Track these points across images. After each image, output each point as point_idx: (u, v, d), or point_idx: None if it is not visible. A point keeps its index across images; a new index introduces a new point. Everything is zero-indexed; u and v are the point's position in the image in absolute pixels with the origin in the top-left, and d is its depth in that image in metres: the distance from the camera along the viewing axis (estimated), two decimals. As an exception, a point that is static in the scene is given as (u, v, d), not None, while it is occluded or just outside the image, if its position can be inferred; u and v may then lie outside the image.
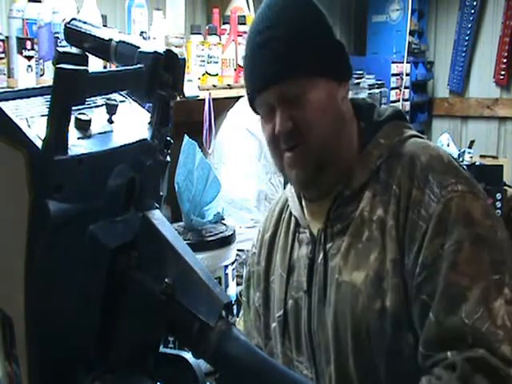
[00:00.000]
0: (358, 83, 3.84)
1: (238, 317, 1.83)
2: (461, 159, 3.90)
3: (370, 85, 3.93)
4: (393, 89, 4.26)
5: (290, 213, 1.23)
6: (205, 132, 2.52)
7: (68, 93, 0.62)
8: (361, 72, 3.95)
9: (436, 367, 0.93)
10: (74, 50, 0.82)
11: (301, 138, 1.06)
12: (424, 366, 0.96)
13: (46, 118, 0.62)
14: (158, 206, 0.76)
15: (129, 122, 0.76)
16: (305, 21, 1.09)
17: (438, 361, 0.94)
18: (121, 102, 0.77)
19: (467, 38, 4.72)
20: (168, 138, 0.77)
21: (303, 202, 1.20)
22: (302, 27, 1.08)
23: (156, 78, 0.73)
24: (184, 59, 0.77)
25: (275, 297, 1.22)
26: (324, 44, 1.10)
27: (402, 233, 1.01)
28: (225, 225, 2.01)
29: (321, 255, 1.12)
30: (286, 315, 1.18)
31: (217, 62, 2.55)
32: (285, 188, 1.30)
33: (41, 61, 1.96)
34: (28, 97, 0.71)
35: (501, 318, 0.92)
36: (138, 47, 0.75)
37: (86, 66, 0.73)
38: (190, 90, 2.33)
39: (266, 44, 1.07)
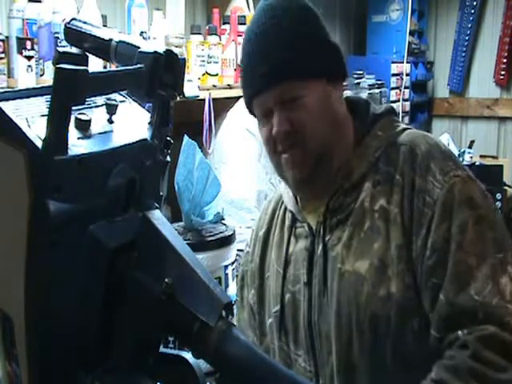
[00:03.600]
0: (358, 83, 3.84)
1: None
2: (461, 159, 3.90)
3: (369, 85, 3.93)
4: (393, 89, 4.27)
5: (285, 210, 1.24)
6: (205, 132, 2.52)
7: (68, 93, 0.62)
8: (361, 72, 3.95)
9: (448, 349, 0.95)
10: (74, 49, 0.82)
11: (298, 138, 1.09)
12: (440, 348, 0.97)
13: (46, 118, 0.62)
14: (158, 206, 0.76)
15: (129, 122, 0.76)
16: (299, 24, 1.10)
17: (450, 341, 0.96)
18: (121, 102, 0.77)
19: (467, 38, 4.72)
20: (168, 138, 0.77)
21: (298, 198, 1.21)
22: (296, 31, 1.10)
23: (156, 77, 0.73)
24: (184, 59, 0.77)
25: (271, 293, 1.23)
26: (318, 46, 1.11)
27: (408, 220, 1.04)
28: (225, 225, 2.01)
29: (320, 247, 1.13)
30: (283, 309, 1.19)
31: (217, 62, 2.55)
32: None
33: (41, 61, 1.96)
34: (28, 97, 0.71)
35: (509, 293, 0.95)
36: (138, 47, 0.75)
37: (86, 65, 0.73)
38: (190, 89, 2.33)
39: (261, 48, 1.09)
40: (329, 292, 1.10)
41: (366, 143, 1.12)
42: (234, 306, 1.47)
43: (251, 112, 1.16)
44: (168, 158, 0.78)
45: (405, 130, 1.14)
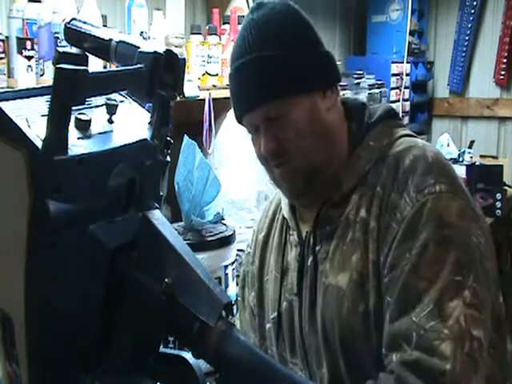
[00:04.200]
0: (358, 83, 3.84)
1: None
2: (461, 159, 3.90)
3: (369, 85, 3.93)
4: (393, 89, 4.26)
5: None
6: (205, 132, 2.52)
7: (68, 93, 0.62)
8: (361, 72, 3.94)
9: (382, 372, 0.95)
10: (73, 50, 0.82)
11: (286, 157, 1.07)
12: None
13: (46, 118, 0.62)
14: (158, 206, 0.76)
15: (129, 122, 0.76)
16: (281, 40, 1.07)
17: (388, 362, 0.95)
18: (121, 102, 0.77)
19: (467, 37, 4.72)
20: (168, 138, 0.77)
21: (296, 207, 1.20)
22: (278, 48, 1.06)
23: (156, 77, 0.73)
24: (184, 59, 0.77)
25: (269, 298, 1.22)
26: (303, 60, 1.08)
27: (380, 236, 1.02)
28: (225, 225, 2.00)
29: (310, 258, 1.12)
30: (280, 317, 1.18)
31: (217, 62, 2.55)
32: None
33: (41, 61, 1.95)
34: (28, 97, 0.71)
35: (454, 318, 0.91)
36: (138, 47, 0.75)
37: (86, 65, 0.73)
38: (190, 89, 2.32)
39: (244, 68, 1.07)
40: (316, 305, 1.10)
41: (357, 154, 1.10)
42: (235, 306, 1.48)
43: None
44: (168, 158, 0.78)
45: (399, 137, 1.10)
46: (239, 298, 1.36)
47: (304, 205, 1.17)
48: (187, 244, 0.73)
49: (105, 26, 2.10)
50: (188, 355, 0.74)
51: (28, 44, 1.88)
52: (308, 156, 1.08)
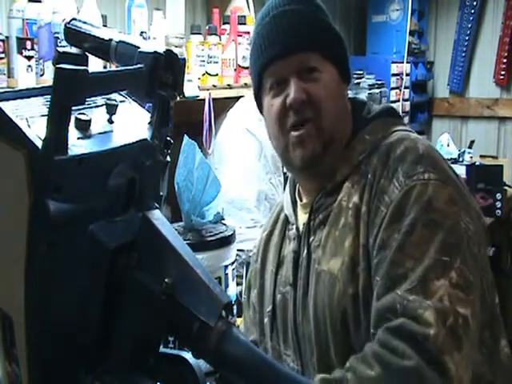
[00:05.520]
0: (358, 83, 3.84)
1: (238, 317, 1.84)
2: (461, 159, 3.90)
3: (370, 85, 3.93)
4: (393, 89, 4.26)
5: None
6: (205, 132, 2.52)
7: (68, 93, 0.62)
8: (361, 72, 3.94)
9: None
10: (73, 50, 0.82)
11: (312, 114, 1.08)
12: None
13: (46, 118, 0.62)
14: (158, 206, 0.76)
15: (129, 122, 0.76)
16: (318, 13, 1.13)
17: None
18: (121, 102, 0.77)
19: (467, 37, 4.72)
20: (168, 138, 0.77)
21: (298, 202, 1.22)
22: (322, 13, 1.14)
23: (156, 77, 0.73)
24: (184, 59, 0.77)
25: (267, 293, 1.25)
26: (337, 36, 1.16)
27: (370, 220, 1.03)
28: (225, 225, 2.00)
29: (305, 249, 1.14)
30: (275, 309, 1.20)
31: (217, 62, 2.55)
32: (285, 188, 1.32)
33: (41, 61, 1.95)
34: (28, 97, 0.71)
35: (438, 296, 0.91)
36: (138, 47, 0.75)
37: (86, 65, 0.73)
38: (190, 89, 2.33)
39: (286, 15, 1.10)
40: (310, 294, 1.11)
41: (352, 146, 1.12)
42: (237, 306, 1.48)
43: (258, 89, 1.14)
44: (168, 158, 0.78)
45: (395, 132, 1.12)
46: (245, 297, 1.38)
47: (308, 184, 1.17)
48: (187, 244, 0.73)
49: (105, 26, 2.10)
50: (188, 355, 0.74)
51: (28, 44, 1.88)
52: (333, 119, 1.10)
